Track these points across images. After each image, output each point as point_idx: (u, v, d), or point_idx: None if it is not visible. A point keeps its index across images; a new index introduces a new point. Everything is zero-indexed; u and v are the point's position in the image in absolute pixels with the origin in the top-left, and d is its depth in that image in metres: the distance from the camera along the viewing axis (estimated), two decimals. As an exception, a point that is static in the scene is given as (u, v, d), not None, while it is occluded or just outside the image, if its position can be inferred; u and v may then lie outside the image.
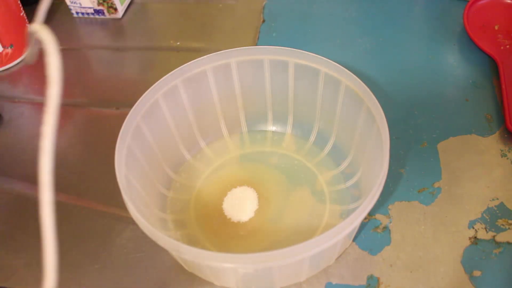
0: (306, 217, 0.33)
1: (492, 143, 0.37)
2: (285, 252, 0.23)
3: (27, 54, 0.26)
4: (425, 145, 0.37)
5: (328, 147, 0.36)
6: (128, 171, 0.29)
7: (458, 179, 0.35)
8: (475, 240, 0.31)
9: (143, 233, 0.25)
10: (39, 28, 0.22)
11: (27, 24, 0.48)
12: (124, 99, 0.43)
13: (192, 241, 0.32)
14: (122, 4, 0.52)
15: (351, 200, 0.33)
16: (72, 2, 0.51)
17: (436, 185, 0.34)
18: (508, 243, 0.31)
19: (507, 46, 0.43)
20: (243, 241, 0.32)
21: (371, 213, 0.33)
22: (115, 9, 0.51)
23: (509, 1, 0.47)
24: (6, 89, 0.46)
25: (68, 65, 0.48)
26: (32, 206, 0.36)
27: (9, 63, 0.47)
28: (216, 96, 0.36)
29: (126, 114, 0.30)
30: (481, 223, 0.32)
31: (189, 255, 0.24)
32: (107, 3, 0.51)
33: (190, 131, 0.37)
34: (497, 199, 0.33)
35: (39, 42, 0.24)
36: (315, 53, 0.33)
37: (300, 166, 0.36)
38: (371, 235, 0.32)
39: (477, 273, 0.30)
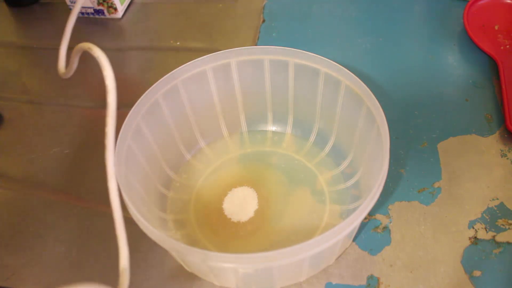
0: (306, 217, 0.33)
1: (492, 143, 0.37)
2: (285, 252, 0.23)
3: (67, 70, 0.27)
4: (425, 145, 0.37)
5: (328, 147, 0.36)
6: (128, 171, 0.29)
7: (458, 179, 0.35)
8: (475, 240, 0.31)
9: (143, 233, 0.25)
10: (91, 46, 0.24)
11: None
12: (124, 99, 0.43)
13: (192, 241, 0.32)
14: (122, 4, 0.52)
15: (351, 200, 0.33)
16: (72, 2, 0.51)
17: (436, 185, 0.34)
18: (508, 243, 0.31)
19: (507, 46, 0.43)
20: (243, 241, 0.32)
21: (371, 213, 0.33)
22: (115, 9, 0.51)
23: (509, 1, 0.47)
24: (6, 89, 0.46)
25: (68, 65, 0.48)
26: (32, 206, 0.36)
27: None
28: (216, 96, 0.36)
29: (126, 114, 0.30)
30: (481, 223, 0.32)
31: (189, 255, 0.24)
32: (107, 3, 0.51)
33: (190, 131, 0.37)
34: (497, 199, 0.33)
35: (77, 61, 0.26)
36: (315, 53, 0.33)
37: (300, 166, 0.36)
38: (371, 235, 0.32)
39: (477, 273, 0.30)
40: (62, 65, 0.27)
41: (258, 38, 0.48)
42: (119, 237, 0.23)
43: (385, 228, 0.32)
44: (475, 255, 0.30)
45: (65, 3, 0.52)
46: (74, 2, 0.51)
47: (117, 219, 0.23)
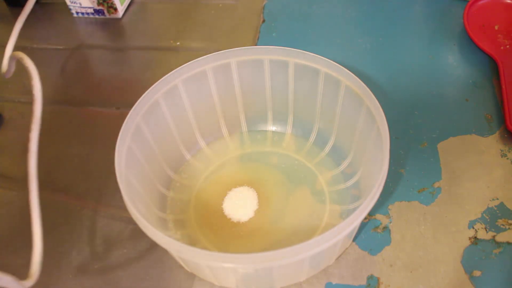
0: (306, 217, 0.33)
1: (492, 143, 0.37)
2: (285, 252, 0.23)
3: (6, 71, 0.29)
4: (425, 145, 0.37)
5: (328, 147, 0.36)
6: (128, 171, 0.29)
7: (458, 179, 0.35)
8: (475, 240, 0.31)
9: (143, 233, 0.25)
10: (22, 56, 0.26)
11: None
12: (124, 99, 0.43)
13: (192, 241, 0.32)
14: (122, 4, 0.52)
15: (351, 200, 0.33)
16: (72, 2, 0.51)
17: (436, 185, 0.34)
18: (508, 243, 0.31)
19: (507, 46, 0.43)
20: (243, 241, 0.32)
21: (371, 213, 0.33)
22: (115, 9, 0.51)
23: (509, 1, 0.47)
24: (6, 89, 0.46)
25: (68, 65, 0.48)
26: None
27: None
28: (216, 96, 0.36)
29: (126, 114, 0.30)
30: (481, 223, 0.32)
31: (189, 255, 0.24)
32: (107, 3, 0.51)
33: (190, 131, 0.37)
34: (497, 199, 0.33)
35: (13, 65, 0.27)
36: (315, 53, 0.33)
37: (300, 166, 0.36)
38: (371, 235, 0.32)
39: (477, 273, 0.30)
40: (4, 64, 0.28)
41: (258, 38, 0.48)
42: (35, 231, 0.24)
43: (385, 228, 0.32)
44: (475, 255, 0.30)
45: (65, 3, 0.52)
46: (74, 3, 0.51)
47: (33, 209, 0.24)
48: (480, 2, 0.47)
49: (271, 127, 0.39)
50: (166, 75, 0.33)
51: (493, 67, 0.42)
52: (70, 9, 0.53)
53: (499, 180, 0.34)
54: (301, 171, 0.36)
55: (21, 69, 0.48)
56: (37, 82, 0.25)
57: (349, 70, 0.31)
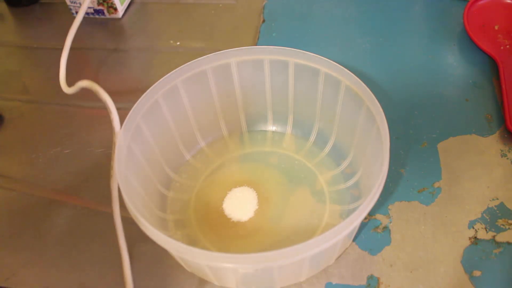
0: (306, 217, 0.33)
1: (492, 143, 0.37)
2: (285, 252, 0.23)
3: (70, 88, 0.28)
4: (425, 145, 0.37)
5: (328, 147, 0.36)
6: (128, 171, 0.29)
7: (458, 179, 0.35)
8: (475, 240, 0.31)
9: (143, 233, 0.25)
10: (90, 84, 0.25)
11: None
12: (124, 99, 0.43)
13: (192, 241, 0.32)
14: (122, 4, 0.52)
15: (351, 200, 0.33)
16: (72, 2, 0.51)
17: (436, 185, 0.34)
18: (508, 243, 0.31)
19: (507, 46, 0.43)
20: (243, 241, 0.32)
21: (371, 213, 0.33)
22: (115, 9, 0.51)
23: (509, 1, 0.47)
24: (6, 89, 0.46)
25: (68, 65, 0.48)
26: (32, 206, 0.36)
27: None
28: (216, 96, 0.36)
29: (126, 114, 0.30)
30: (481, 223, 0.32)
31: (189, 255, 0.24)
32: (107, 3, 0.51)
33: (190, 131, 0.37)
34: (497, 199, 0.33)
35: None
36: (315, 53, 0.33)
37: (300, 166, 0.36)
38: (371, 235, 0.32)
39: (477, 273, 0.30)
40: (62, 78, 0.27)
41: (258, 38, 0.48)
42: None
43: (385, 228, 0.32)
44: (475, 255, 0.30)
45: (65, 3, 0.52)
46: (74, 3, 0.51)
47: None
48: (480, 2, 0.47)
49: (271, 127, 0.39)
50: (166, 75, 0.33)
51: (493, 67, 0.42)
52: (70, 9, 0.53)
53: (499, 180, 0.34)
54: (301, 171, 0.36)
55: (21, 69, 0.48)
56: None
57: (349, 70, 0.31)
